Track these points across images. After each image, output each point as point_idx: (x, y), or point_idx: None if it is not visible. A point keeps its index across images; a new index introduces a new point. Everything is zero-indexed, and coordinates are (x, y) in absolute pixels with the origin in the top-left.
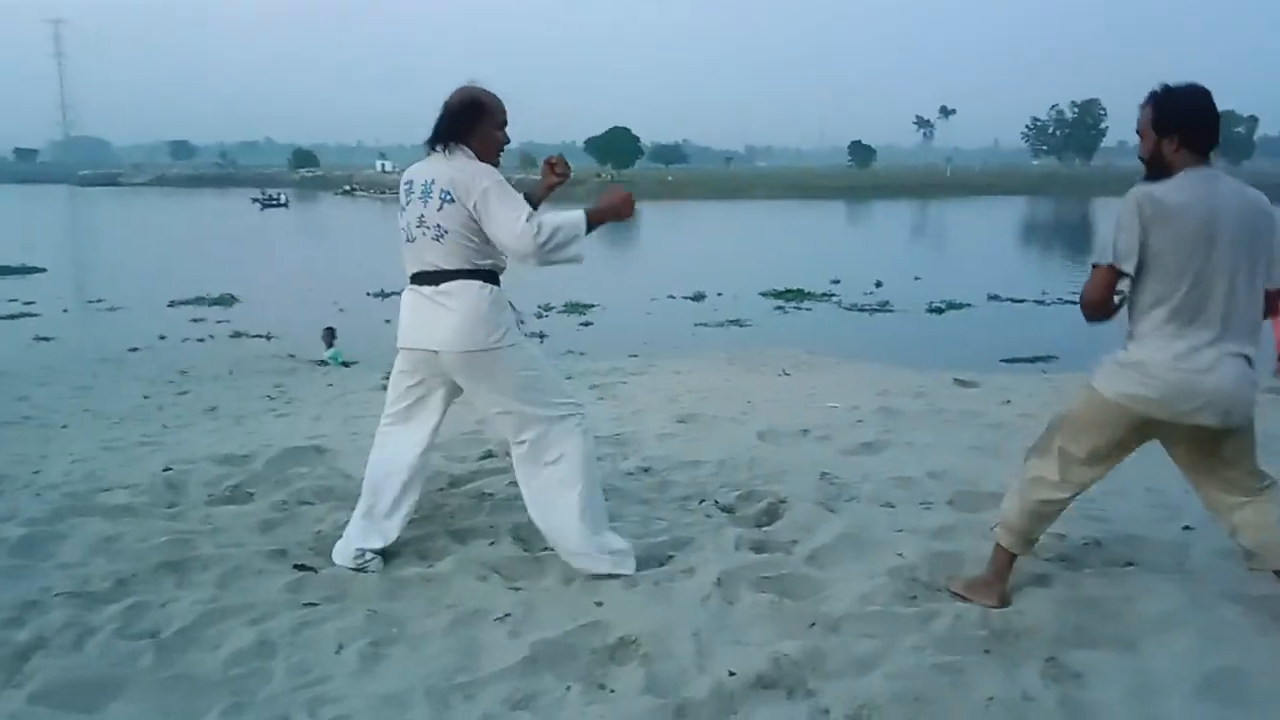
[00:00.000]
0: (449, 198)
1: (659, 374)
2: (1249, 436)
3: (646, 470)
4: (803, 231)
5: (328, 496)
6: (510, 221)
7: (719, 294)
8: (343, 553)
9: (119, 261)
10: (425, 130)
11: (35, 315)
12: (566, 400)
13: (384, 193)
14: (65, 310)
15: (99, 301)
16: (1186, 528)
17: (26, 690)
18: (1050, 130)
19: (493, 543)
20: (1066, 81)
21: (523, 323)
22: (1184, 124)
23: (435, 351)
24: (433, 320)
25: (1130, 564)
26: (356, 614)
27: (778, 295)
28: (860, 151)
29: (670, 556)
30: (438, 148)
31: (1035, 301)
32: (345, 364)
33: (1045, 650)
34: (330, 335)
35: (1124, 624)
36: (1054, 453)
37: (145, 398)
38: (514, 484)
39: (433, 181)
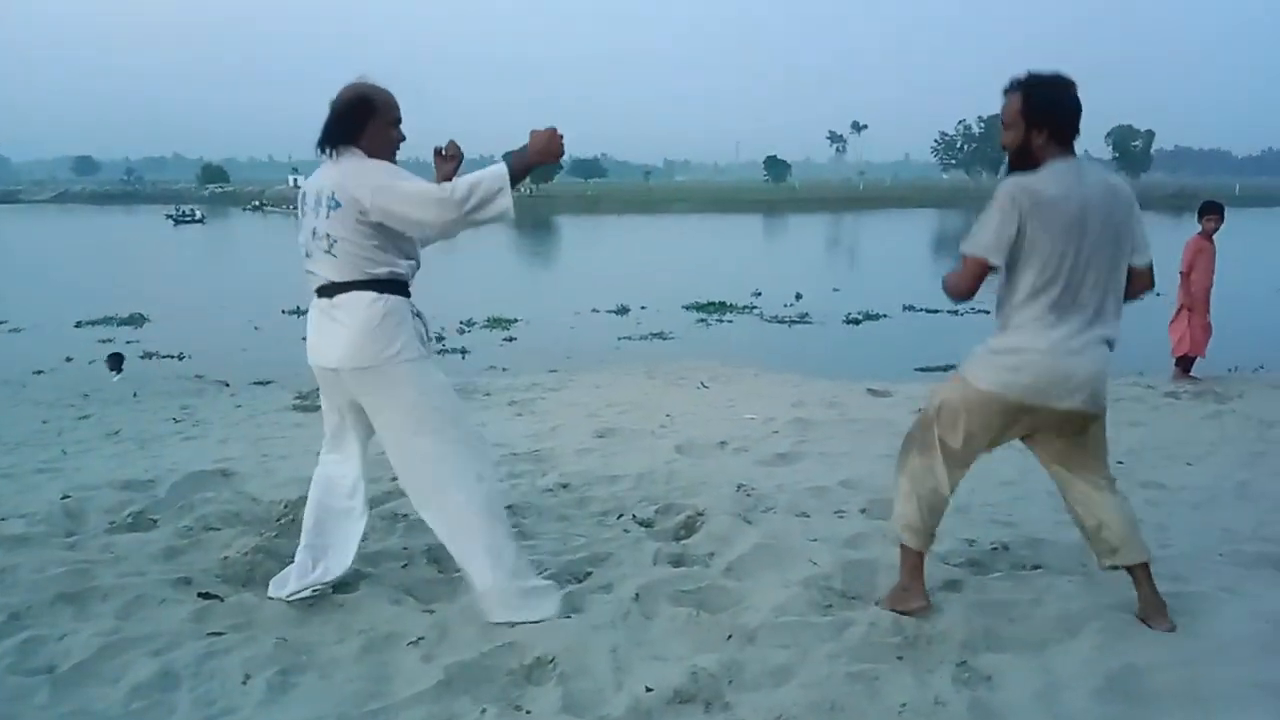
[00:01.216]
0: (335, 204)
1: (579, 388)
2: (1104, 425)
3: (565, 486)
4: (724, 245)
5: (235, 522)
6: (421, 193)
7: (642, 307)
8: (279, 586)
9: (22, 281)
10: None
11: None
12: (467, 438)
13: (296, 208)
14: None
15: (1, 323)
16: None
17: None
18: (958, 145)
19: (406, 565)
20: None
21: (433, 339)
22: (1056, 116)
23: (335, 369)
24: (329, 335)
25: (1037, 567)
26: (264, 642)
27: (700, 308)
28: (776, 166)
29: (588, 573)
30: (326, 151)
31: (949, 312)
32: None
33: (956, 655)
34: (116, 361)
35: (1031, 626)
36: (934, 445)
37: (44, 422)
38: None
39: (322, 189)
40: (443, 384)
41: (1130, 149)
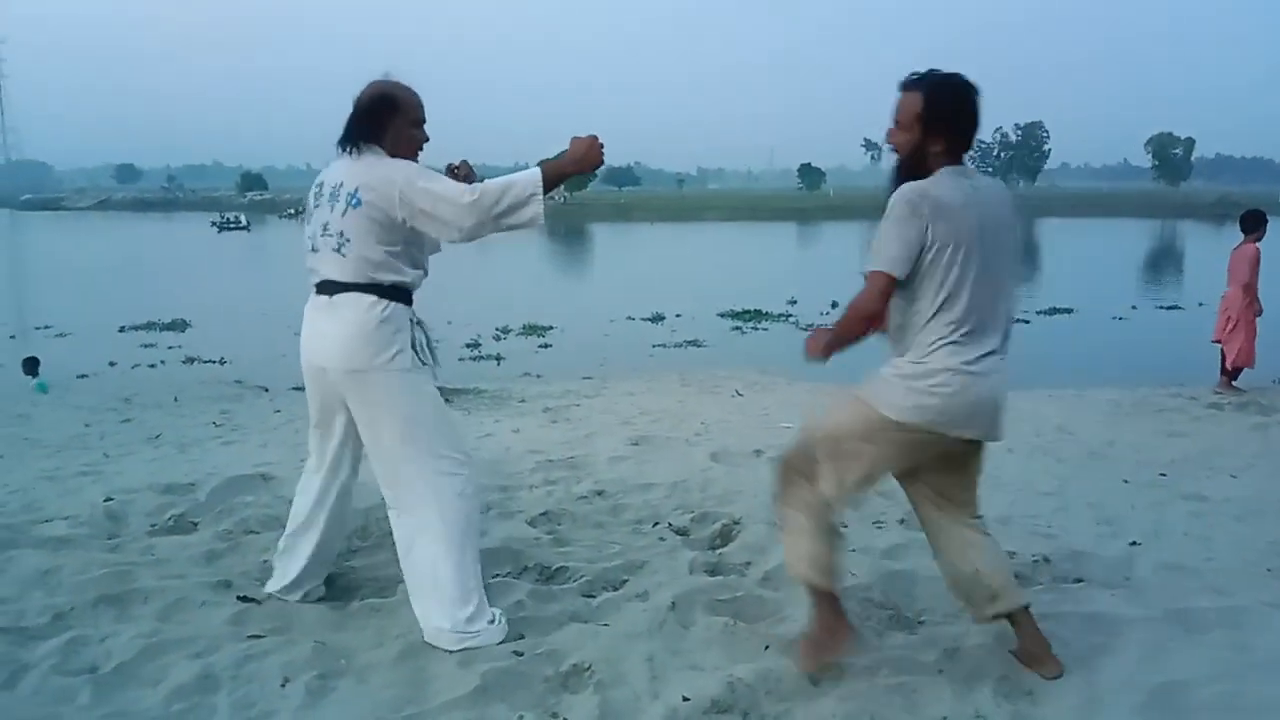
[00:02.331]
0: (355, 201)
1: (613, 396)
2: (983, 457)
3: (600, 493)
4: (758, 252)
5: (273, 525)
6: (452, 195)
7: (677, 315)
8: (272, 584)
9: (67, 287)
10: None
11: None
12: (454, 454)
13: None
14: (13, 336)
15: (46, 328)
16: (1133, 543)
17: None
18: (995, 152)
19: None
20: (1010, 104)
21: (433, 351)
22: (957, 125)
23: (324, 368)
24: (323, 333)
25: (1079, 580)
26: (303, 646)
27: (735, 316)
28: (810, 174)
29: (624, 580)
30: (347, 148)
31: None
32: (45, 391)
33: (998, 669)
34: (31, 365)
35: (1073, 640)
36: (823, 477)
37: (86, 426)
38: None
39: (340, 184)
40: (434, 397)
41: (1170, 156)
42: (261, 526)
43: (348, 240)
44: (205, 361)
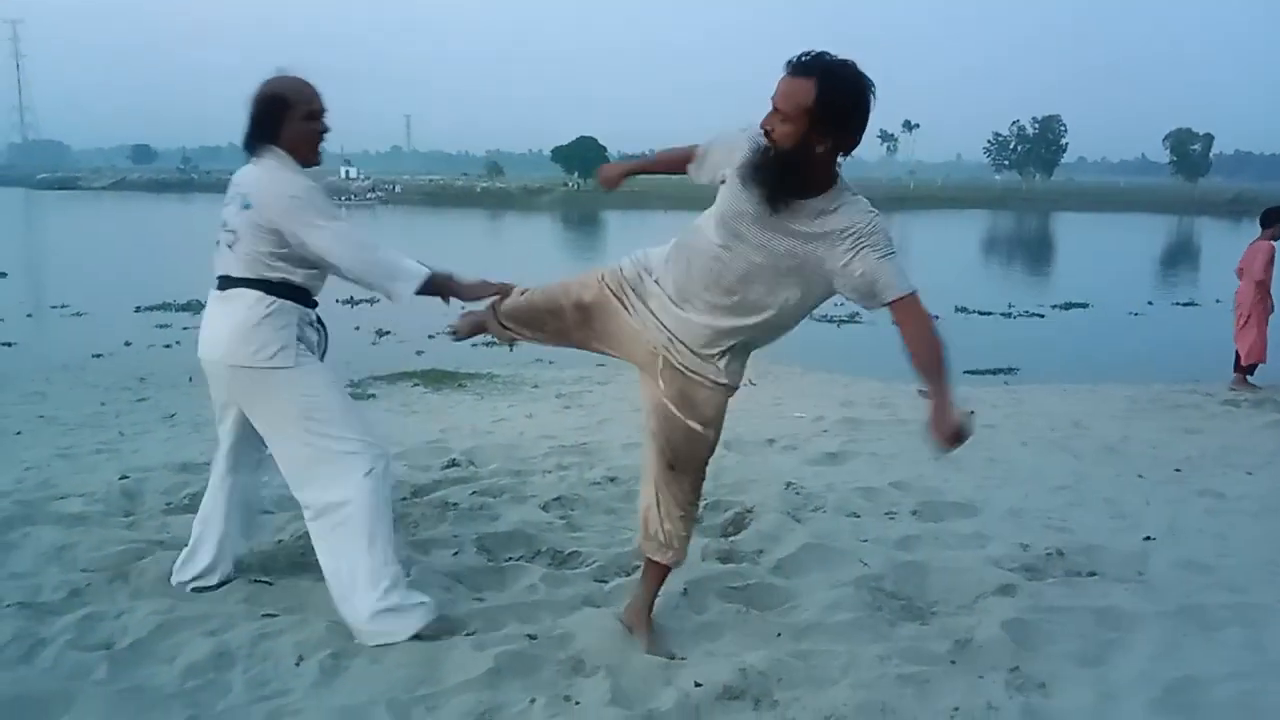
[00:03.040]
0: (247, 204)
1: (625, 383)
2: None
3: (613, 480)
4: None
5: (287, 505)
6: (328, 226)
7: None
8: (178, 574)
9: (83, 266)
10: (391, 136)
11: None
12: (356, 436)
13: (349, 198)
14: (29, 315)
15: (63, 307)
16: (1147, 538)
17: None
18: (1012, 145)
19: (456, 553)
20: (1028, 97)
21: (323, 353)
22: (849, 126)
23: (212, 360)
24: (212, 327)
25: (1092, 574)
26: (317, 625)
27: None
28: None
29: (636, 566)
30: (254, 154)
31: (1001, 314)
32: None
33: (1009, 660)
34: None
35: (1087, 634)
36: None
37: (102, 404)
38: (478, 493)
39: (238, 187)
40: (326, 386)
41: (1189, 153)
42: (275, 506)
43: (238, 238)
44: None
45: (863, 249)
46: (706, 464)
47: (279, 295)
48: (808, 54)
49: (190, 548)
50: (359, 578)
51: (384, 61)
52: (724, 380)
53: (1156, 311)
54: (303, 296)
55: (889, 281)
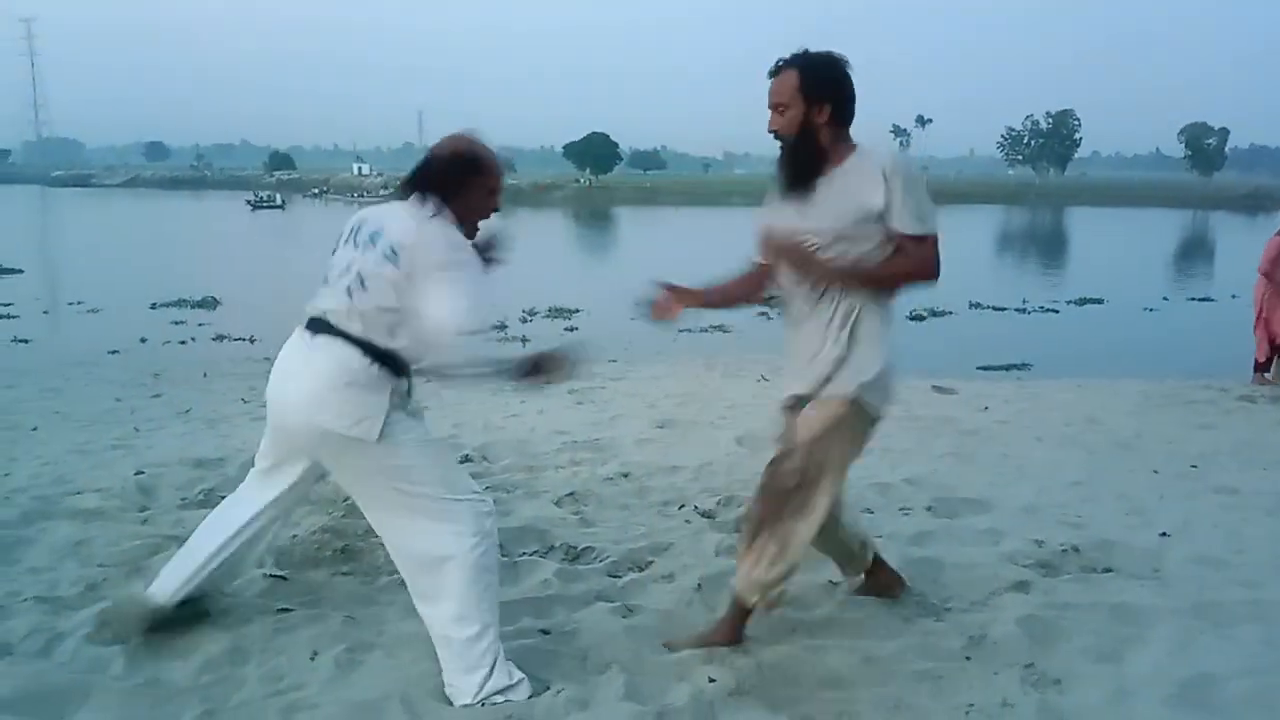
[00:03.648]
0: (393, 256)
1: (638, 379)
2: None
3: (625, 475)
4: None
5: (302, 502)
6: (445, 310)
7: None
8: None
9: (98, 263)
10: (403, 132)
11: (13, 317)
12: (452, 498)
13: (361, 195)
14: (46, 312)
15: (78, 304)
16: (1163, 535)
17: None
18: (1025, 140)
19: None
20: (1041, 92)
21: (416, 404)
22: (837, 91)
23: (286, 412)
24: (297, 373)
25: (1108, 570)
26: (332, 620)
27: (763, 302)
28: None
29: (650, 561)
30: (413, 197)
31: (1016, 310)
32: None
33: (1025, 657)
34: None
35: (1102, 630)
36: (824, 509)
37: (117, 400)
38: (491, 488)
39: (382, 230)
40: (419, 444)
41: (1204, 147)
42: None
43: (364, 287)
44: (235, 339)
45: (892, 188)
46: None
47: (377, 360)
48: (782, 57)
49: (169, 568)
50: (452, 658)
51: (396, 57)
52: None
53: (1171, 307)
54: (398, 367)
55: (903, 217)
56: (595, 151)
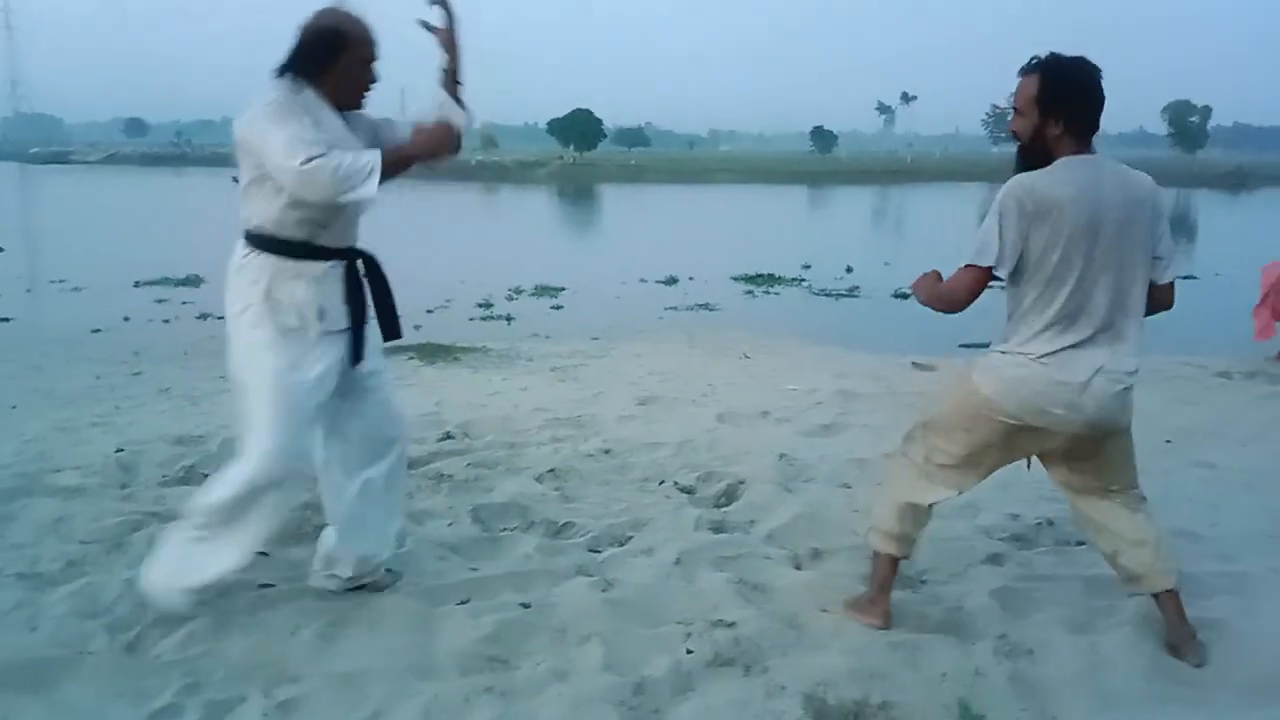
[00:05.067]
0: (239, 149)
1: (620, 357)
2: (1128, 446)
3: (607, 452)
4: (771, 216)
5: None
6: (280, 151)
7: (690, 278)
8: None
9: (80, 241)
10: (386, 108)
11: None
12: (261, 443)
13: None
14: (28, 290)
15: (61, 282)
16: None
17: None
18: (1010, 118)
19: (451, 524)
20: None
21: (322, 316)
22: (1074, 106)
23: None
24: None
25: (1081, 543)
26: (313, 595)
27: (749, 280)
28: (822, 137)
29: (630, 537)
30: (283, 81)
31: (1001, 287)
32: None
33: (998, 627)
34: None
35: (1075, 602)
36: (924, 455)
37: (98, 378)
38: (472, 465)
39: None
40: (272, 371)
41: (1187, 125)
42: None
43: (237, 181)
44: (218, 317)
45: None
46: None
47: (256, 247)
48: (1035, 56)
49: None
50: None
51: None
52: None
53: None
54: (285, 249)
55: None
56: (580, 128)
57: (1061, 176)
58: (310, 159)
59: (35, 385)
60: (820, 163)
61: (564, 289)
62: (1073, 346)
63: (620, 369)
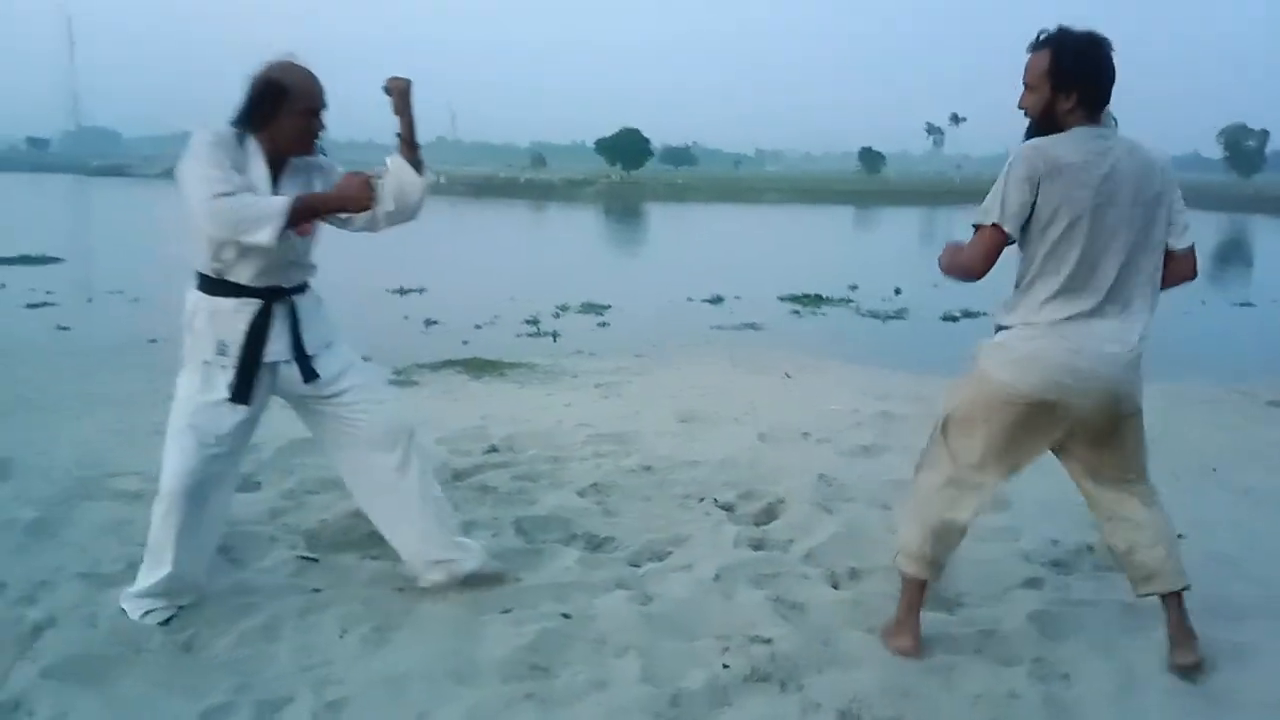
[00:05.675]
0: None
1: (663, 374)
2: (1140, 430)
3: (647, 468)
4: (818, 236)
5: (332, 487)
6: (195, 188)
7: (736, 297)
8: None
9: (138, 252)
10: (436, 127)
11: (54, 305)
12: (167, 481)
13: None
14: (88, 300)
15: (119, 292)
16: (1179, 535)
17: (39, 665)
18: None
19: (495, 535)
20: None
21: (220, 357)
22: (1085, 80)
23: None
24: None
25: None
26: (360, 600)
27: (795, 300)
28: (870, 157)
29: (669, 552)
30: (233, 132)
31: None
32: None
33: (1034, 650)
34: None
35: (1112, 627)
36: (945, 460)
37: (155, 386)
38: (516, 478)
39: None
40: (185, 403)
41: (1243, 149)
42: (320, 487)
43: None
44: None
45: None
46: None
47: (199, 288)
48: (1044, 30)
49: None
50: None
51: (429, 51)
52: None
53: (1210, 311)
54: (219, 289)
55: None
56: (627, 147)
57: (1074, 143)
58: (217, 195)
59: (94, 392)
60: (868, 182)
61: (610, 306)
62: (1082, 315)
63: (663, 386)
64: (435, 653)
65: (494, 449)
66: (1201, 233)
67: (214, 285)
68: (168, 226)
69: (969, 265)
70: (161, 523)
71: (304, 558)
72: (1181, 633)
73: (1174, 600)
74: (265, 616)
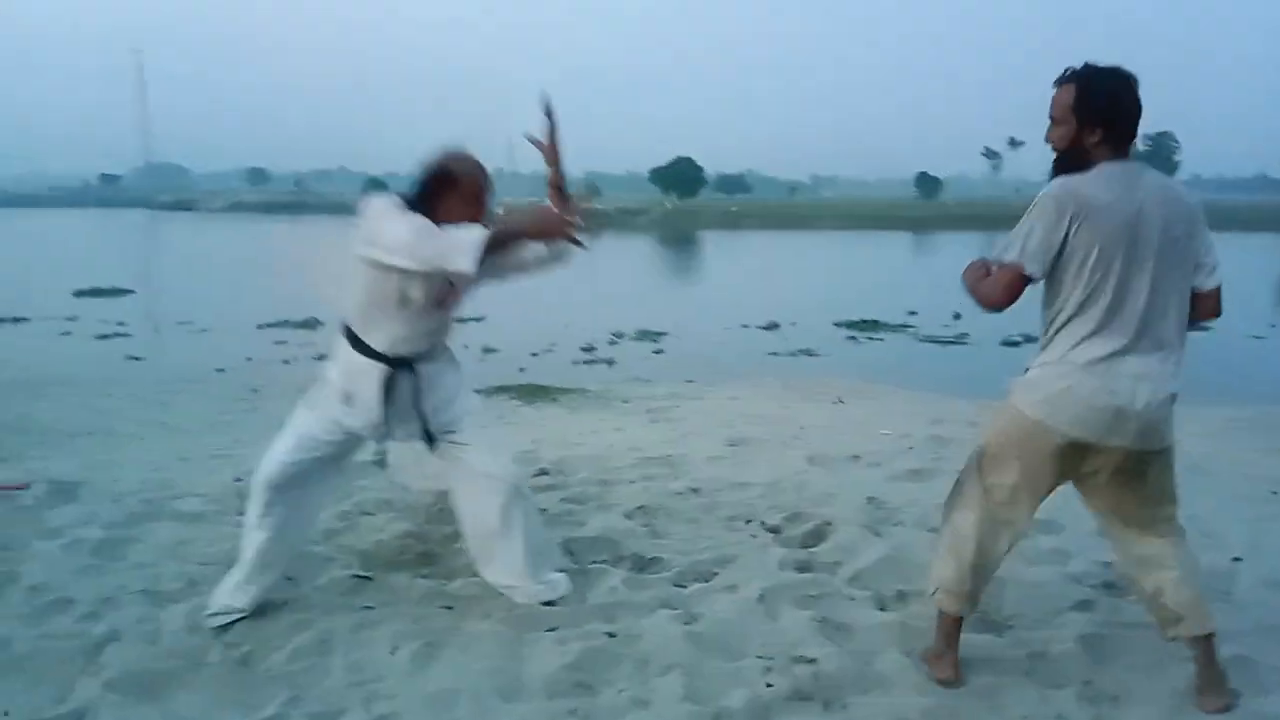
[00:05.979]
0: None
1: (714, 399)
2: (1171, 470)
3: (695, 491)
4: (874, 262)
5: (387, 509)
6: (401, 219)
7: (792, 324)
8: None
9: (206, 285)
10: (494, 159)
11: (126, 335)
12: (255, 504)
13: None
14: (157, 331)
15: (188, 323)
16: (1236, 559)
17: (102, 678)
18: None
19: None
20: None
21: (345, 408)
22: (1112, 114)
23: None
24: None
25: None
26: (411, 618)
27: (852, 326)
28: (926, 182)
29: (715, 573)
30: (405, 203)
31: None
32: None
33: (1083, 673)
34: None
35: (1163, 650)
36: (978, 495)
37: (220, 414)
38: (565, 500)
39: None
40: (298, 424)
41: None
42: (375, 509)
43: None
44: None
45: None
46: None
47: (346, 337)
48: (1070, 67)
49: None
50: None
51: (487, 83)
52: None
53: None
54: (362, 348)
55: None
56: (681, 176)
57: (1102, 180)
58: (421, 227)
59: (162, 419)
60: (924, 208)
61: (665, 334)
62: (1116, 354)
63: (714, 411)
64: (482, 670)
65: (544, 471)
66: (1272, 256)
67: (355, 340)
68: (234, 260)
69: (990, 298)
70: (250, 513)
71: (358, 576)
72: (1210, 675)
73: (1204, 644)
74: (319, 632)
